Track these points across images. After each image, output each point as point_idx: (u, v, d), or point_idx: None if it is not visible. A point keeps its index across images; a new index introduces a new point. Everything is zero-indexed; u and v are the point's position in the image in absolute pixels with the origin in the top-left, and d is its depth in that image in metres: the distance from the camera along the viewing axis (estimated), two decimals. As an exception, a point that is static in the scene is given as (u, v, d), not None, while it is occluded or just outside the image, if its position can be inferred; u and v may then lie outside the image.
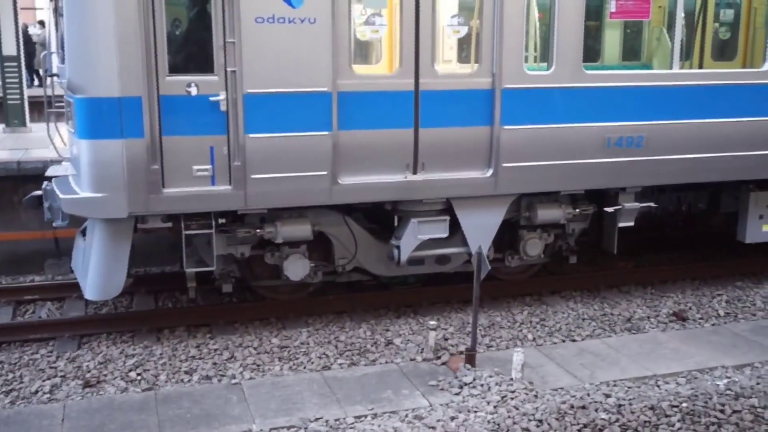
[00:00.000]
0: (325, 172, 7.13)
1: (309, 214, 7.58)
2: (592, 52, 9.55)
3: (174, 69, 6.75)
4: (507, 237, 8.46)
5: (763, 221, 9.00)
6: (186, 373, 6.88)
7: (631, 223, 8.57)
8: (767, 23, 8.58)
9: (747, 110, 8.49)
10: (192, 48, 6.97)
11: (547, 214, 8.22)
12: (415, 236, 7.66)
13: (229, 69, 6.77)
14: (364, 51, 8.66)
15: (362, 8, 7.85)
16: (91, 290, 7.14)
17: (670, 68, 8.27)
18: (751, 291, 9.12)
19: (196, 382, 6.72)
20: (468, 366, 6.74)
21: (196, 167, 6.87)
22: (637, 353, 7.25)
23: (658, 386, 6.52)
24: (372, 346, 7.46)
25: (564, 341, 7.66)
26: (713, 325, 8.15)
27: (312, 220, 7.59)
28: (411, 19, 7.20)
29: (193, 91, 6.77)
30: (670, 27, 8.37)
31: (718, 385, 6.41)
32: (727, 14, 10.02)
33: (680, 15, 8.30)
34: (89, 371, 6.87)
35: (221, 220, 7.28)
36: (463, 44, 8.23)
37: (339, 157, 7.17)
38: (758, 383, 6.44)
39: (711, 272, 9.55)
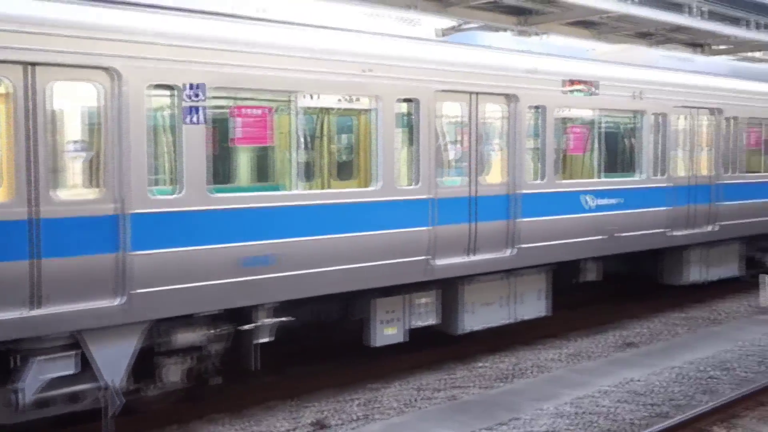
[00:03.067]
0: None
1: None
2: (223, 175, 9.87)
3: None
4: (145, 365, 8.15)
5: (386, 325, 9.84)
6: None
7: (270, 338, 8.80)
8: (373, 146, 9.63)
9: (366, 225, 9.34)
10: None
11: (185, 337, 8.11)
12: (39, 377, 7.03)
13: None
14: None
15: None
16: None
17: (294, 189, 8.86)
18: (383, 390, 9.82)
19: None
20: None
21: None
22: (280, 469, 7.34)
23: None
24: (-10, 507, 6.59)
25: (209, 467, 7.49)
26: (352, 429, 8.58)
27: None
28: (23, 145, 6.83)
29: None
30: (293, 151, 8.98)
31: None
32: (345, 138, 11.08)
33: (301, 139, 8.99)
34: None
35: None
36: (88, 169, 7.98)
37: (-60, 297, 6.40)
38: (389, 481, 6.88)
39: (347, 377, 10.12)
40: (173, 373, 8.23)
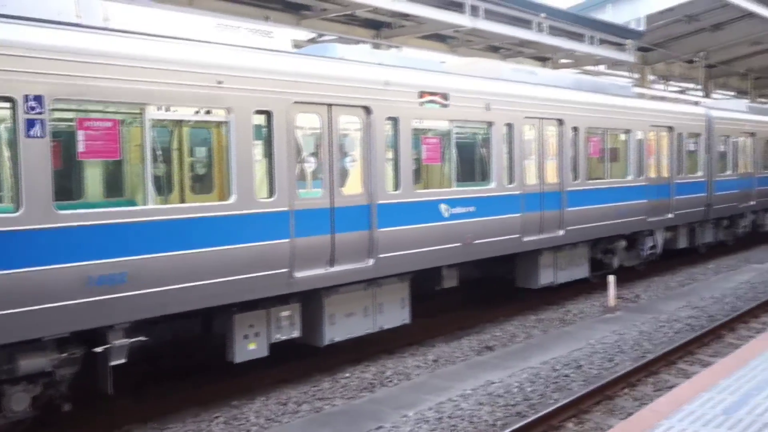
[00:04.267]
0: None
1: None
2: (71, 191, 9.43)
3: None
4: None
5: (249, 340, 9.68)
6: None
7: (124, 360, 8.45)
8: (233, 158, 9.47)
9: (224, 239, 9.14)
10: None
11: (30, 363, 7.65)
12: None
13: None
14: None
15: None
16: None
17: (147, 204, 8.57)
18: (245, 407, 9.64)
19: None
20: None
21: None
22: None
23: None
24: None
25: (59, 500, 7.09)
26: (213, 448, 8.38)
27: None
28: None
29: None
30: (145, 164, 8.67)
31: None
32: (200, 151, 10.83)
33: (153, 152, 8.70)
34: None
35: None
36: None
37: None
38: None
39: (208, 396, 9.87)
40: (19, 401, 7.76)
